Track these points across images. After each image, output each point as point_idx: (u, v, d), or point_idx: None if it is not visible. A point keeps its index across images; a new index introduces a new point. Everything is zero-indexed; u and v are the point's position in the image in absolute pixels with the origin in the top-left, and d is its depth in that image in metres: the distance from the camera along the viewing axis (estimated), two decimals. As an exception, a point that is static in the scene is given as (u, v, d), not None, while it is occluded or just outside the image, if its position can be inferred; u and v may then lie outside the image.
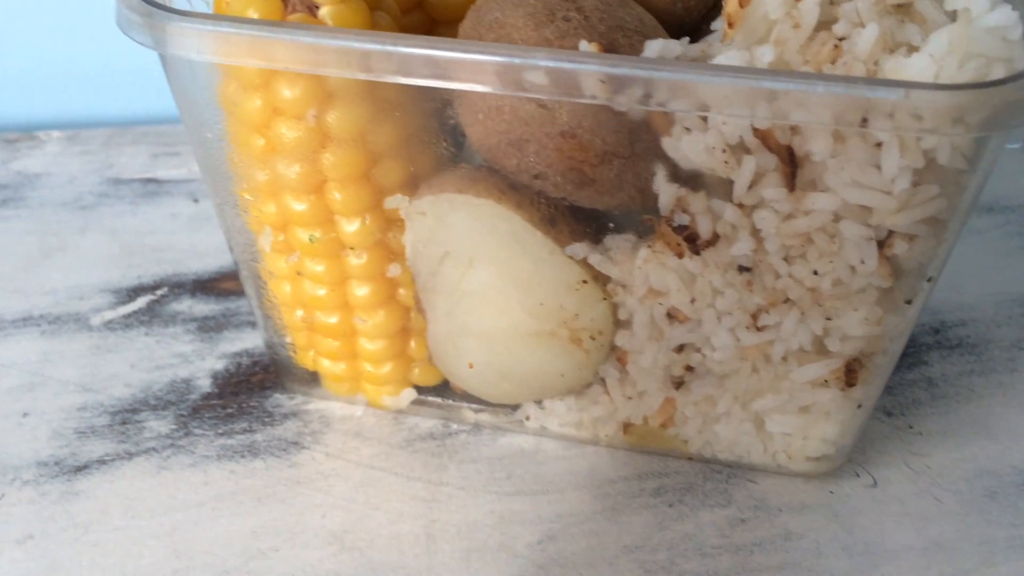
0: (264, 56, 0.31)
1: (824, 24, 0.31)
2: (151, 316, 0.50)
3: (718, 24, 0.35)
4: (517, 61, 0.29)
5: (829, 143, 0.30)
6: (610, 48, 0.31)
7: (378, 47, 0.30)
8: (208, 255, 0.55)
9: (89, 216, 0.58)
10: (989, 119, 0.27)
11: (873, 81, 0.28)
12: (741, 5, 0.30)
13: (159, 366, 0.47)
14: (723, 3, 0.31)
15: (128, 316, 0.50)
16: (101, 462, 0.42)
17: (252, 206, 0.37)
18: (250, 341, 0.49)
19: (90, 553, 0.38)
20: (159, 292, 0.52)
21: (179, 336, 0.49)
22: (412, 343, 0.42)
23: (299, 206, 0.36)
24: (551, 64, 0.29)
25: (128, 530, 0.39)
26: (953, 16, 0.30)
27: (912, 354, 0.48)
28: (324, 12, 0.33)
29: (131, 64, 0.69)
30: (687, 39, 0.33)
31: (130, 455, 0.42)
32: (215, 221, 0.58)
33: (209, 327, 0.50)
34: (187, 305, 0.51)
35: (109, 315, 0.50)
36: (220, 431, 0.44)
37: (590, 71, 0.29)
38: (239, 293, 0.52)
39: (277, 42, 0.31)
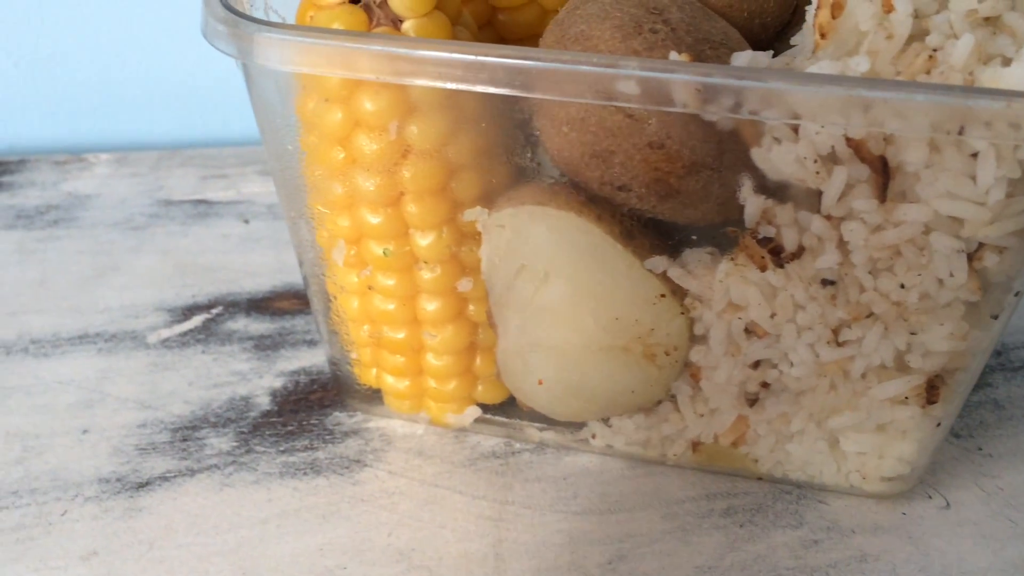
0: (352, 67, 0.31)
1: (914, 36, 0.31)
2: (207, 334, 0.50)
3: (798, 39, 0.35)
4: (609, 71, 0.29)
5: (924, 153, 0.29)
6: (698, 59, 0.31)
7: (469, 58, 0.30)
8: (261, 275, 0.55)
9: (141, 236, 0.58)
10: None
11: (973, 90, 0.27)
12: (833, 16, 0.30)
13: (217, 384, 0.47)
14: (815, 15, 0.31)
15: (184, 334, 0.50)
16: (163, 479, 0.42)
17: (326, 219, 0.37)
18: (307, 360, 0.49)
19: (155, 570, 0.38)
20: (214, 311, 0.52)
21: (236, 354, 0.49)
22: (478, 360, 0.41)
23: (375, 219, 0.36)
24: (644, 73, 0.29)
25: (193, 547, 0.39)
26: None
27: (976, 376, 0.48)
28: (408, 26, 0.34)
29: (177, 88, 0.70)
30: (771, 52, 0.33)
31: (192, 472, 0.42)
32: (266, 242, 0.58)
33: (265, 345, 0.49)
34: (242, 324, 0.51)
35: (165, 333, 0.50)
36: (281, 448, 0.43)
37: (684, 80, 0.29)
38: (293, 312, 0.52)
39: (365, 52, 0.31)
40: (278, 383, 0.47)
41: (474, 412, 0.43)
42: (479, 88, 0.30)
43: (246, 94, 0.69)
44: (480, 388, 0.42)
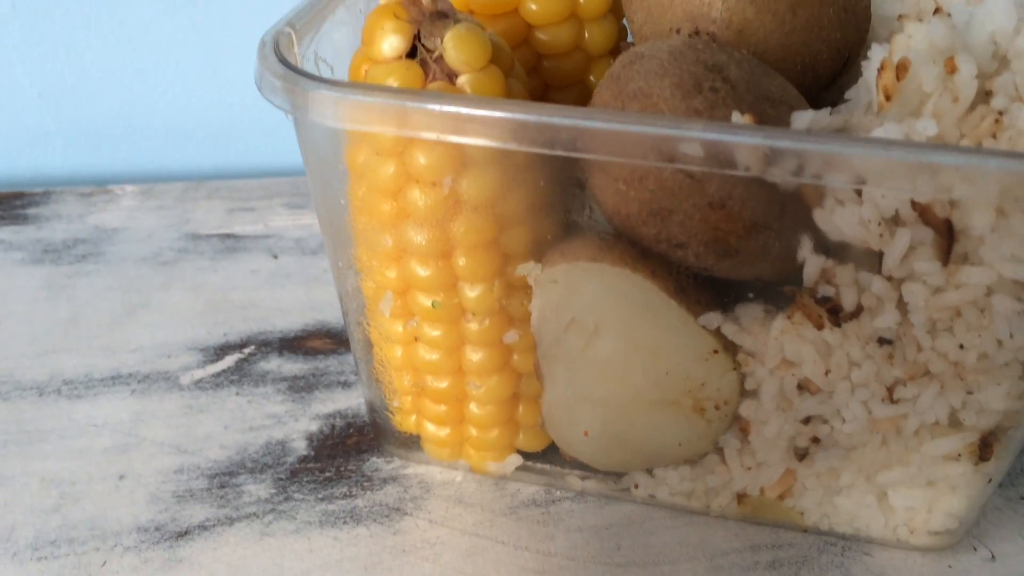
0: (408, 125, 0.31)
1: (978, 98, 0.30)
2: (240, 375, 0.50)
3: (852, 93, 0.35)
4: (673, 132, 0.29)
5: (991, 217, 0.29)
6: (759, 119, 0.31)
7: (531, 118, 0.30)
8: (292, 312, 0.54)
9: (170, 272, 0.57)
10: None
11: (1046, 155, 0.27)
12: (898, 78, 0.30)
13: (253, 427, 0.47)
14: (878, 75, 0.31)
15: (217, 375, 0.50)
16: (202, 527, 0.41)
17: (374, 270, 0.37)
18: (342, 402, 0.48)
19: (198, 623, 0.37)
20: (247, 350, 0.51)
21: (270, 396, 0.48)
22: (521, 408, 0.41)
23: (424, 272, 0.36)
24: (707, 136, 0.29)
25: (235, 599, 0.38)
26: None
27: (1016, 422, 0.48)
28: (463, 80, 0.33)
29: (202, 118, 0.70)
30: (828, 109, 0.33)
31: (231, 520, 0.42)
32: (295, 278, 0.57)
33: (300, 387, 0.49)
34: (276, 364, 0.51)
35: (198, 374, 0.50)
36: (320, 496, 0.43)
37: (749, 144, 0.28)
38: (326, 352, 0.52)
39: (423, 111, 0.30)
40: (314, 427, 0.47)
41: (515, 460, 0.42)
42: (539, 150, 0.30)
43: (270, 124, 0.69)
44: (522, 436, 0.42)
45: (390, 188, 0.34)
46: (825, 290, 0.32)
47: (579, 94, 0.42)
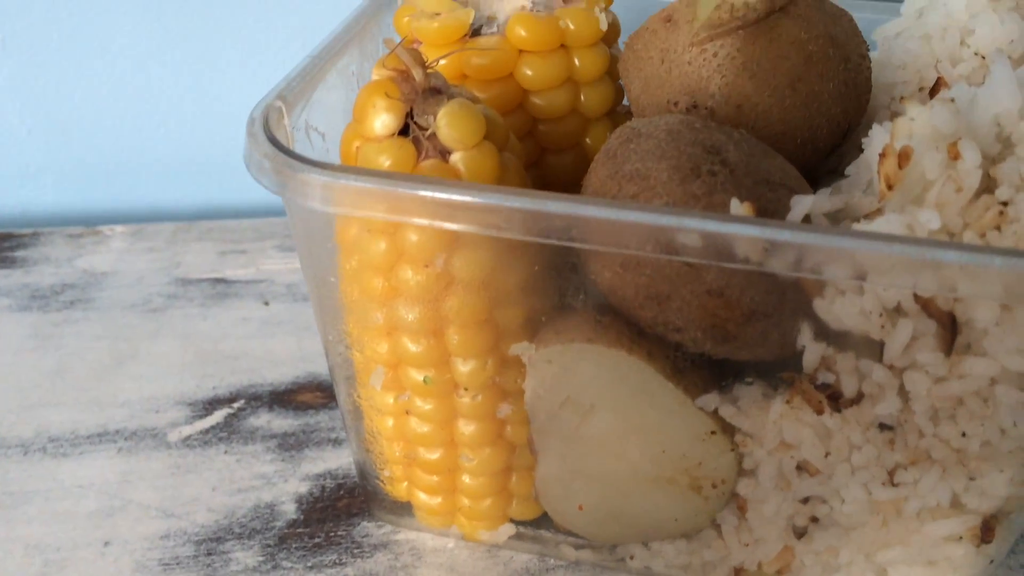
0: (398, 211, 0.30)
1: (983, 183, 0.30)
2: (229, 432, 0.49)
3: (852, 169, 0.34)
4: (670, 223, 0.28)
5: (995, 312, 0.29)
6: (759, 206, 0.30)
7: (525, 206, 0.29)
8: (283, 364, 0.54)
9: (160, 319, 0.56)
10: None
11: (1053, 255, 0.27)
12: (900, 166, 0.30)
13: (241, 489, 0.46)
14: (879, 162, 0.30)
15: (206, 432, 0.49)
16: (188, 597, 0.40)
17: (364, 344, 0.36)
18: (333, 461, 0.47)
19: None
20: (236, 405, 0.51)
21: (259, 455, 0.48)
22: (514, 478, 0.40)
23: (415, 348, 0.35)
24: (705, 228, 0.28)
25: (221, 677, 0.37)
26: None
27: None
28: (456, 158, 0.33)
29: (193, 155, 0.69)
30: (828, 191, 0.33)
31: (218, 590, 0.41)
32: (287, 326, 0.57)
33: (290, 444, 0.48)
34: (265, 420, 0.50)
35: (187, 430, 0.49)
36: (309, 564, 0.42)
37: (748, 236, 0.28)
38: (317, 407, 0.51)
39: (415, 198, 0.30)
40: (303, 488, 0.46)
41: (508, 530, 0.42)
42: (532, 238, 0.29)
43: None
44: (515, 505, 0.41)
45: (381, 265, 0.34)
46: (825, 377, 0.32)
47: (575, 157, 0.41)
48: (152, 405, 0.50)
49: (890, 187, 0.30)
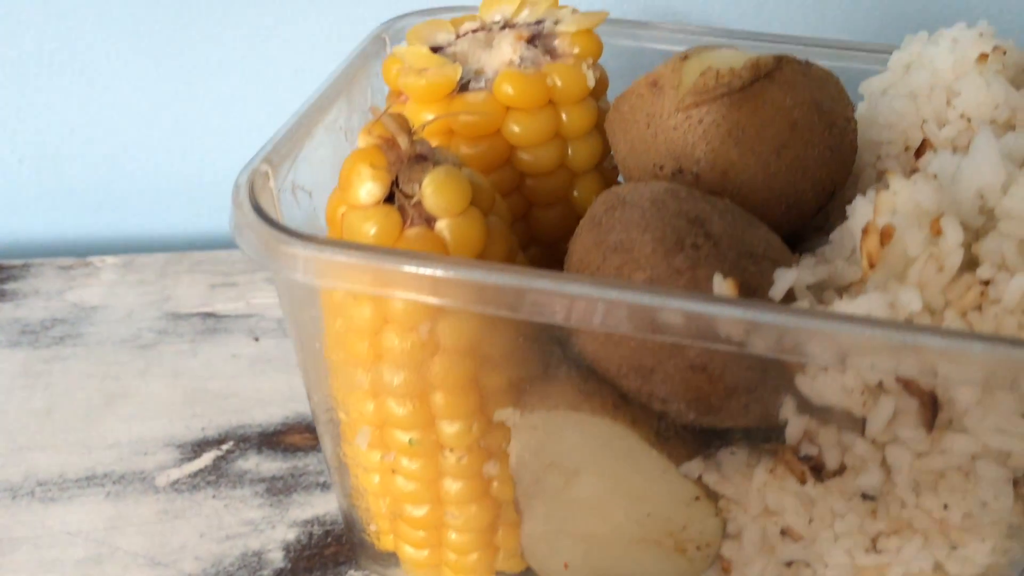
0: (382, 284, 0.30)
1: (966, 258, 0.30)
2: (218, 475, 0.49)
3: (837, 235, 0.34)
4: (651, 303, 0.28)
5: (976, 392, 0.29)
6: (742, 280, 0.30)
7: (509, 283, 0.29)
8: (272, 403, 0.54)
9: (149, 356, 0.56)
10: None
11: (1030, 343, 0.27)
12: (882, 244, 0.30)
13: (229, 535, 0.46)
14: (862, 239, 0.30)
15: (194, 475, 0.49)
16: (174, 650, 0.41)
17: (350, 405, 0.36)
18: (321, 506, 0.47)
19: None
20: (224, 447, 0.51)
21: (247, 499, 0.48)
22: (500, 532, 0.40)
23: (400, 410, 0.35)
24: (687, 308, 0.28)
25: None
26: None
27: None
28: (442, 225, 0.33)
29: (185, 184, 0.69)
30: (813, 260, 0.33)
31: (204, 642, 0.41)
32: (277, 363, 0.57)
33: (278, 488, 0.48)
34: (254, 463, 0.50)
35: (175, 474, 0.49)
36: (296, 614, 0.42)
37: (729, 318, 0.28)
38: (305, 449, 0.51)
39: (396, 272, 0.30)
40: (291, 535, 0.46)
41: (495, 584, 0.42)
42: (515, 315, 0.29)
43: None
44: (502, 557, 0.41)
45: (366, 330, 0.34)
46: (808, 449, 0.32)
47: (562, 210, 0.41)
48: (140, 447, 0.51)
49: (872, 266, 0.30)
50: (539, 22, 0.41)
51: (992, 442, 0.30)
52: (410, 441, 0.36)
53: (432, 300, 0.30)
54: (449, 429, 0.36)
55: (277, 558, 0.45)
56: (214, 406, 0.53)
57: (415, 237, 0.32)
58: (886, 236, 0.30)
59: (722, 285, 0.30)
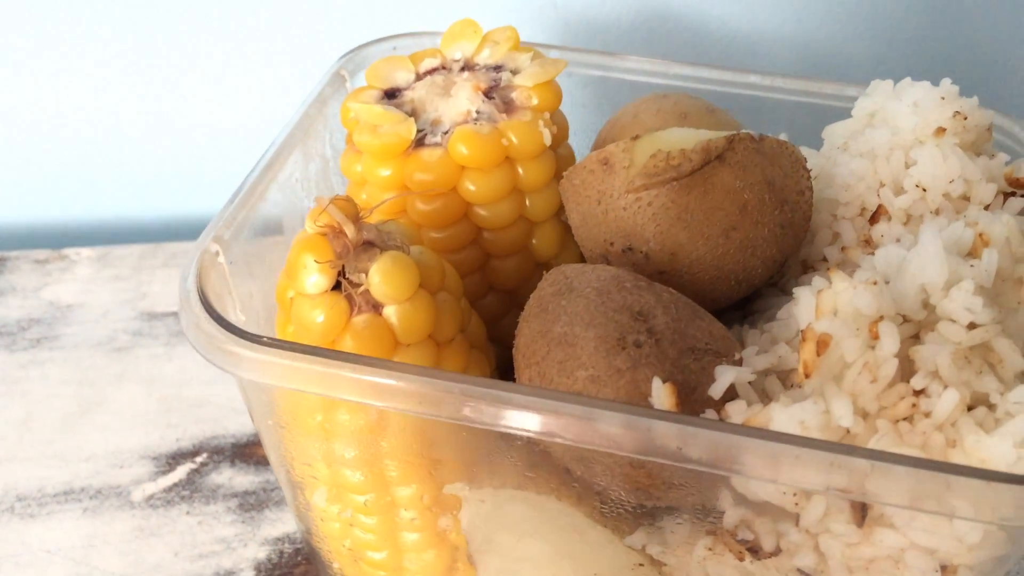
0: (324, 387, 0.31)
1: (904, 362, 0.30)
2: (192, 490, 0.50)
3: (784, 313, 0.35)
4: (587, 416, 0.29)
5: (908, 496, 0.29)
6: (682, 379, 0.31)
7: (443, 391, 0.30)
8: (245, 413, 0.55)
9: (124, 361, 0.57)
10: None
11: (953, 467, 0.27)
12: (818, 353, 0.30)
13: (202, 554, 0.47)
14: (800, 346, 0.31)
15: (169, 490, 0.50)
16: (149, 675, 0.43)
17: (306, 471, 0.37)
18: (291, 523, 0.49)
19: None
20: (198, 459, 0.52)
21: (220, 516, 0.49)
22: (460, 568, 0.42)
23: (354, 477, 0.36)
24: (622, 420, 0.29)
25: None
26: None
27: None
28: (390, 311, 0.33)
29: (158, 166, 0.69)
30: (755, 349, 0.33)
31: (178, 667, 0.43)
32: (251, 366, 0.57)
33: (250, 504, 0.50)
34: (227, 476, 0.51)
35: (150, 488, 0.50)
36: (266, 638, 0.44)
37: (663, 437, 0.29)
38: (278, 460, 0.52)
39: (337, 376, 0.30)
40: (262, 554, 0.48)
41: (455, 613, 0.43)
42: (457, 420, 0.30)
43: (230, 173, 0.68)
44: (464, 587, 0.43)
45: (318, 407, 0.34)
46: (744, 534, 0.33)
47: (521, 260, 0.41)
48: (117, 459, 0.52)
49: (807, 375, 0.30)
50: (498, 69, 0.41)
51: (919, 540, 0.31)
52: (365, 502, 0.37)
53: (374, 403, 0.30)
54: (402, 493, 0.37)
55: (249, 579, 0.47)
56: (189, 415, 0.54)
57: (363, 325, 0.33)
58: (822, 345, 0.30)
59: (660, 390, 0.30)
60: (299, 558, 0.48)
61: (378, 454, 0.35)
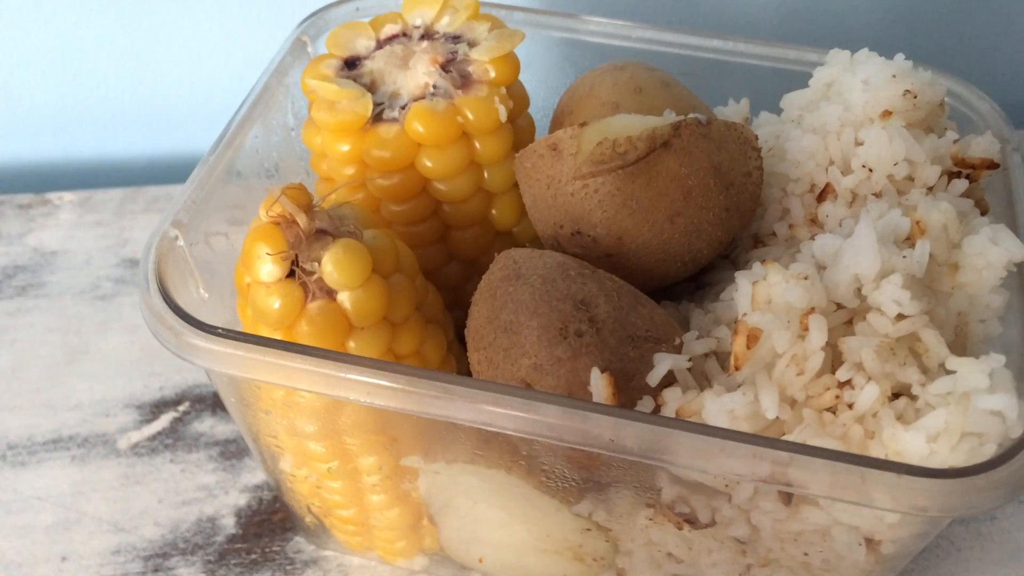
0: (276, 376, 0.32)
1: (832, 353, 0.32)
2: (175, 439, 0.53)
3: (728, 294, 0.36)
4: (527, 408, 0.30)
5: (827, 485, 0.31)
6: (621, 367, 0.32)
7: (391, 383, 0.31)
8: (226, 360, 0.56)
9: (108, 309, 0.59)
10: (973, 505, 0.29)
11: (869, 460, 0.29)
12: (748, 346, 0.31)
13: (185, 501, 0.50)
14: (732, 337, 0.32)
15: (153, 438, 0.53)
16: (137, 617, 0.46)
17: (271, 441, 0.39)
18: (270, 471, 0.51)
19: None
20: (181, 408, 0.54)
21: (202, 464, 0.52)
22: (425, 521, 0.44)
23: (317, 448, 0.38)
24: (558, 412, 0.30)
25: None
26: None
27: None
28: (343, 297, 0.34)
29: (139, 104, 0.69)
30: (697, 338, 0.34)
31: (163, 609, 0.46)
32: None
33: (231, 453, 0.52)
34: (208, 425, 0.53)
35: (135, 436, 0.53)
36: (246, 581, 0.47)
37: (594, 431, 0.30)
38: (258, 408, 0.54)
39: (286, 367, 0.32)
40: (242, 500, 0.50)
41: (422, 561, 0.46)
42: (406, 411, 0.32)
43: (211, 111, 0.68)
44: (427, 542, 0.45)
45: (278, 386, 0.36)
46: (681, 508, 0.35)
47: (480, 231, 0.42)
48: (102, 408, 0.54)
49: (737, 368, 0.31)
50: (456, 39, 0.41)
51: (842, 518, 0.32)
52: (329, 469, 0.39)
53: (326, 393, 0.32)
54: (364, 462, 0.39)
55: (229, 524, 0.49)
56: (171, 364, 0.56)
57: (317, 311, 0.34)
58: (752, 339, 0.31)
59: (599, 379, 0.32)
60: (277, 505, 0.50)
61: (337, 430, 0.37)
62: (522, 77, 0.42)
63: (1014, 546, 0.49)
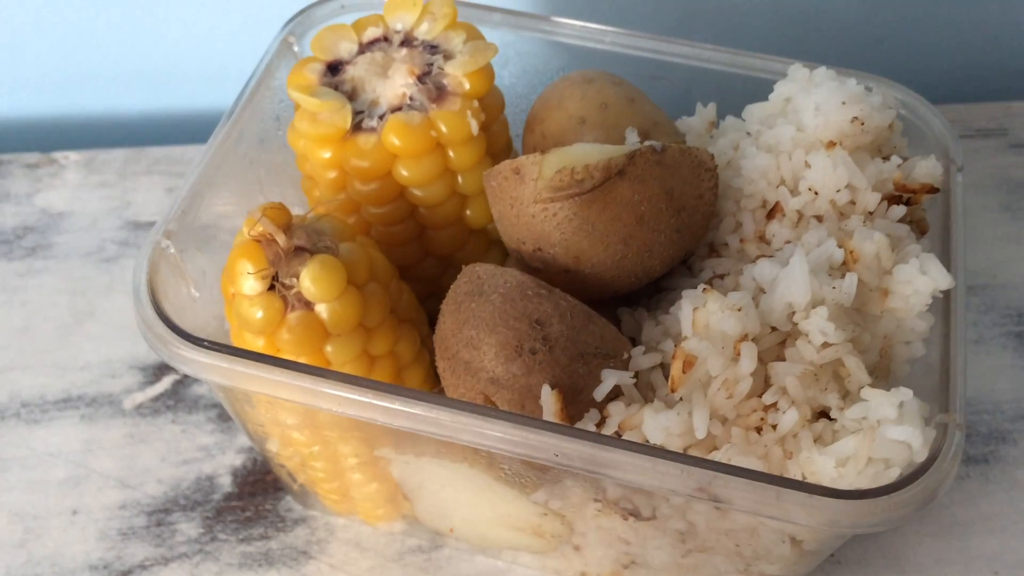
0: (256, 387, 0.36)
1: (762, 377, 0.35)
2: (176, 400, 0.56)
3: (675, 310, 0.39)
4: (480, 425, 0.34)
5: (748, 501, 0.35)
6: (570, 383, 0.35)
7: (361, 398, 0.34)
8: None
9: (112, 271, 0.62)
10: (877, 523, 0.32)
11: (781, 481, 0.32)
12: (684, 371, 0.34)
13: (186, 460, 0.54)
14: (672, 359, 0.35)
15: (156, 399, 0.56)
16: (142, 567, 0.50)
17: (259, 430, 0.43)
18: (264, 433, 0.55)
19: (138, 663, 0.47)
20: (181, 371, 0.58)
21: (201, 425, 0.55)
22: (400, 495, 0.48)
23: (299, 436, 0.42)
24: (506, 428, 0.34)
25: (167, 642, 0.48)
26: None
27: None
28: (321, 308, 0.37)
29: (141, 62, 0.71)
30: (644, 353, 0.37)
31: (166, 560, 0.50)
32: (229, 278, 0.62)
33: (228, 415, 0.56)
34: (207, 388, 0.57)
35: (139, 397, 0.57)
36: (241, 536, 0.51)
37: (540, 442, 0.34)
38: (253, 372, 0.58)
39: (270, 380, 0.35)
40: (238, 461, 0.54)
41: (401, 525, 0.50)
42: (375, 420, 0.35)
43: (214, 68, 0.70)
44: (405, 508, 0.49)
45: (263, 383, 0.39)
46: (625, 504, 0.38)
47: (456, 231, 0.45)
48: (108, 369, 0.58)
49: (673, 390, 0.35)
50: (434, 49, 0.43)
51: (766, 521, 0.36)
52: (311, 452, 0.43)
53: (304, 403, 0.35)
54: (344, 449, 0.42)
55: (226, 483, 0.53)
56: (172, 327, 0.60)
57: (296, 321, 0.37)
58: (688, 364, 0.34)
59: (548, 396, 0.35)
60: (269, 467, 0.54)
61: (316, 424, 0.40)
62: (500, 75, 0.44)
63: (951, 520, 0.53)
